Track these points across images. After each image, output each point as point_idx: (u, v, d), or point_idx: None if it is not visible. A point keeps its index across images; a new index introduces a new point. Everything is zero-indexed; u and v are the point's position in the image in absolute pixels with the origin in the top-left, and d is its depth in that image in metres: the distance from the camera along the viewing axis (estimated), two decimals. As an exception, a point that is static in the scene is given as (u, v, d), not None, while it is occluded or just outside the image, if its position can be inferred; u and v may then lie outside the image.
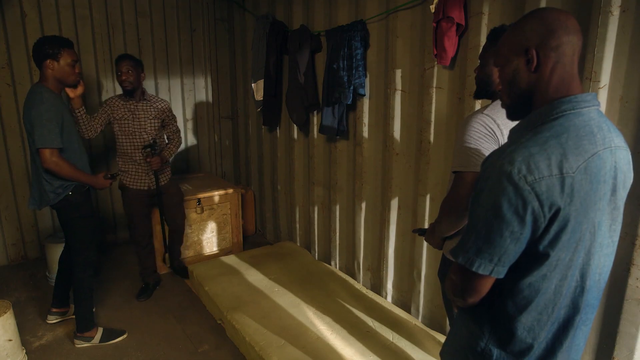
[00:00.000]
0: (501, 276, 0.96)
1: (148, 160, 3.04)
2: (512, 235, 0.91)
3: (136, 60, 2.99)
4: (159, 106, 3.15)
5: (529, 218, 0.89)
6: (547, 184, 0.88)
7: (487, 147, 1.50)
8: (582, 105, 0.95)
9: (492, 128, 1.51)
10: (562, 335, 1.03)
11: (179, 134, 3.36)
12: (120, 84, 2.95)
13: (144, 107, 3.07)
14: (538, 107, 0.99)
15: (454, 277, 1.04)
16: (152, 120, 3.08)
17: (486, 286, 0.99)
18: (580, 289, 1.01)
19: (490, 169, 0.93)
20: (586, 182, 0.91)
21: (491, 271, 0.94)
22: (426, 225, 2.57)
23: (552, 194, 0.89)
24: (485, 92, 1.64)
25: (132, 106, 3.01)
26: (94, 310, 2.74)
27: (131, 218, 3.17)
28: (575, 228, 0.93)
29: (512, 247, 0.92)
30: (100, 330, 2.71)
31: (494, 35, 1.60)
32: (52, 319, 2.87)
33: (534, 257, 0.95)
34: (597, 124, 0.96)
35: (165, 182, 3.26)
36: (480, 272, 0.95)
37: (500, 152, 0.94)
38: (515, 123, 1.07)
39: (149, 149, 3.03)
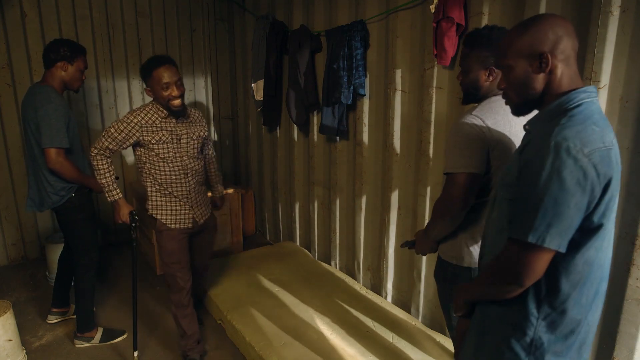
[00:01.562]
0: (564, 250, 1.01)
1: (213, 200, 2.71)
2: (576, 206, 0.97)
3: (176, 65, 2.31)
4: (199, 120, 2.49)
5: (588, 188, 0.97)
6: (600, 155, 0.98)
7: (477, 148, 1.50)
8: (593, 95, 1.08)
9: (482, 129, 1.51)
10: (599, 306, 1.13)
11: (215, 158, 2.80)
12: (167, 103, 2.19)
13: (186, 125, 2.36)
14: (550, 102, 1.10)
15: (509, 262, 1.05)
16: (195, 141, 2.40)
17: (545, 265, 1.03)
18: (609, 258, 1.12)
19: (543, 150, 0.99)
20: (616, 155, 1.04)
21: (559, 245, 0.99)
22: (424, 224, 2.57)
23: (604, 164, 0.98)
24: (474, 97, 1.65)
25: (171, 124, 2.30)
26: (94, 310, 2.74)
27: (173, 265, 2.36)
28: (615, 197, 1.04)
29: (577, 219, 0.99)
30: (100, 331, 2.71)
31: (471, 41, 1.60)
32: (52, 319, 2.88)
33: (588, 229, 1.02)
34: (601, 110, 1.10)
35: (209, 215, 2.59)
36: (552, 246, 0.99)
37: (544, 135, 1.02)
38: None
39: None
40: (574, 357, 1.12)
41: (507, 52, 1.12)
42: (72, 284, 2.88)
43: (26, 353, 2.53)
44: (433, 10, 2.19)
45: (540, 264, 1.01)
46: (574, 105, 1.05)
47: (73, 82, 2.47)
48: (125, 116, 2.22)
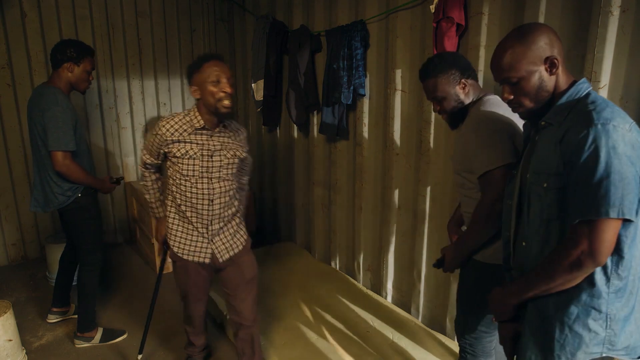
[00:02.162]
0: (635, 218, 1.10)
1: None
2: (636, 175, 1.07)
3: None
4: (239, 136, 2.09)
5: (636, 157, 1.08)
6: (636, 129, 1.11)
7: (506, 137, 1.50)
8: (589, 84, 1.23)
9: (502, 117, 1.54)
10: None
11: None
12: (215, 104, 1.87)
13: (222, 140, 1.99)
14: (558, 97, 1.23)
15: (579, 245, 1.09)
16: (230, 160, 2.01)
17: (615, 238, 1.10)
18: None
19: (591, 134, 1.07)
20: None
21: (633, 213, 1.08)
22: (426, 229, 2.57)
23: (639, 138, 1.10)
24: (461, 115, 1.69)
25: (204, 137, 1.95)
26: (95, 310, 2.74)
27: (184, 299, 2.21)
28: None
29: (638, 186, 1.08)
30: (100, 331, 2.71)
31: (426, 73, 1.68)
32: (53, 319, 2.87)
33: None
34: None
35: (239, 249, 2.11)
36: (631, 217, 1.07)
37: (580, 122, 1.12)
38: None
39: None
40: (634, 315, 1.19)
41: (517, 65, 1.22)
42: (74, 283, 2.88)
43: (26, 353, 2.53)
44: (433, 10, 2.19)
45: (614, 237, 1.09)
46: (583, 94, 1.20)
47: (79, 83, 2.46)
48: (156, 123, 1.97)
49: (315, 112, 3.41)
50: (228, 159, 1.99)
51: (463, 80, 1.64)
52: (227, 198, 2.01)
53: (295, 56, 3.27)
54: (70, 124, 2.34)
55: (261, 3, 3.93)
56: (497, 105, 1.59)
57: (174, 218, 2.04)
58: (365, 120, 2.93)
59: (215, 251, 2.02)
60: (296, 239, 3.94)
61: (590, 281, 1.15)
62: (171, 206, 2.04)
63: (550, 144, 1.18)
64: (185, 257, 2.03)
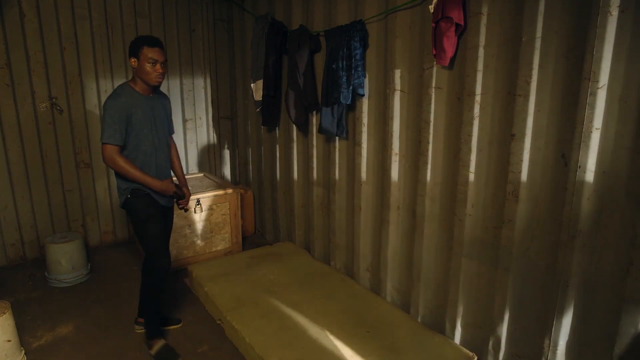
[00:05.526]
0: None
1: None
2: None
3: None
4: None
5: None
6: None
7: None
8: None
9: None
10: None
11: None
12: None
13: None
14: None
15: None
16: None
17: None
18: None
19: None
20: None
21: None
22: (425, 229, 2.57)
23: None
24: None
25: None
26: (157, 317, 2.67)
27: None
28: None
29: None
30: (160, 344, 2.59)
31: None
32: (138, 329, 2.80)
33: None
34: None
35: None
36: None
37: None
38: None
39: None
40: None
41: None
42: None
43: (25, 353, 2.53)
44: (432, 10, 2.19)
45: None
46: None
47: (145, 76, 2.35)
48: None
49: (314, 112, 3.41)
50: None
51: None
52: None
53: (295, 56, 3.27)
54: (118, 117, 2.28)
55: (260, 3, 3.93)
56: None
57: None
58: (365, 120, 2.93)
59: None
60: (295, 239, 3.94)
61: None
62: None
63: None
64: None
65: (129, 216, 2.53)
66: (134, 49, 2.35)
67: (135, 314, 2.84)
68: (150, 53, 2.31)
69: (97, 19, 3.88)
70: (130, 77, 4.11)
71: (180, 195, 2.62)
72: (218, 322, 2.88)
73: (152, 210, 2.48)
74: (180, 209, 2.73)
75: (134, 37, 2.48)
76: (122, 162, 2.32)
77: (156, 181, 2.42)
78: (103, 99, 4.03)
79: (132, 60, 2.36)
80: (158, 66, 2.35)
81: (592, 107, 1.73)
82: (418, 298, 2.72)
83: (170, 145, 2.72)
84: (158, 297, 2.59)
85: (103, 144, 2.30)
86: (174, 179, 2.72)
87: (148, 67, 2.33)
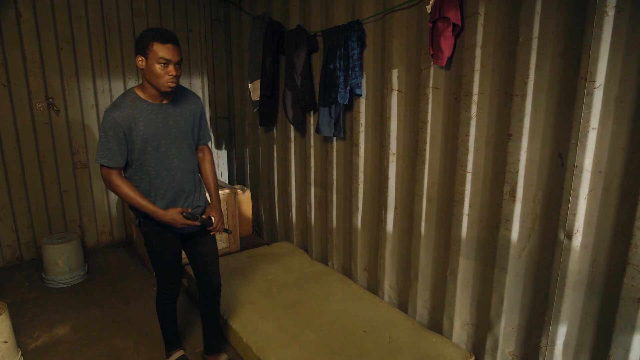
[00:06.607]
0: None
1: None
2: None
3: None
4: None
5: None
6: None
7: None
8: None
9: None
10: None
11: None
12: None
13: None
14: None
15: None
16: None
17: None
18: None
19: None
20: None
21: None
22: (423, 229, 2.57)
23: None
24: None
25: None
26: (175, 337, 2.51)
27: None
28: None
29: None
30: (179, 354, 2.48)
31: None
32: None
33: None
34: None
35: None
36: None
37: None
38: None
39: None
40: None
41: None
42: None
43: (22, 355, 2.52)
44: (429, 11, 2.20)
45: None
46: None
47: (154, 79, 1.88)
48: None
49: (311, 113, 3.41)
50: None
51: None
52: None
53: (292, 56, 3.26)
54: (113, 132, 1.89)
55: (258, 3, 3.93)
56: None
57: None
58: (362, 120, 2.93)
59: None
60: (293, 239, 3.94)
61: None
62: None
63: None
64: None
65: (144, 241, 2.22)
66: (142, 45, 1.87)
67: (136, 315, 2.84)
68: (161, 51, 1.84)
69: (93, 18, 3.88)
70: (127, 77, 4.13)
71: (207, 222, 2.13)
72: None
73: (164, 246, 2.14)
74: (211, 234, 2.26)
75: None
76: (119, 186, 1.96)
77: (159, 211, 1.99)
78: (100, 99, 4.03)
79: (139, 59, 1.89)
80: (171, 67, 1.87)
81: (589, 107, 1.74)
82: (415, 298, 2.73)
83: (201, 159, 2.30)
84: (169, 319, 2.42)
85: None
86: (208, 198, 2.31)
87: (158, 68, 1.86)
